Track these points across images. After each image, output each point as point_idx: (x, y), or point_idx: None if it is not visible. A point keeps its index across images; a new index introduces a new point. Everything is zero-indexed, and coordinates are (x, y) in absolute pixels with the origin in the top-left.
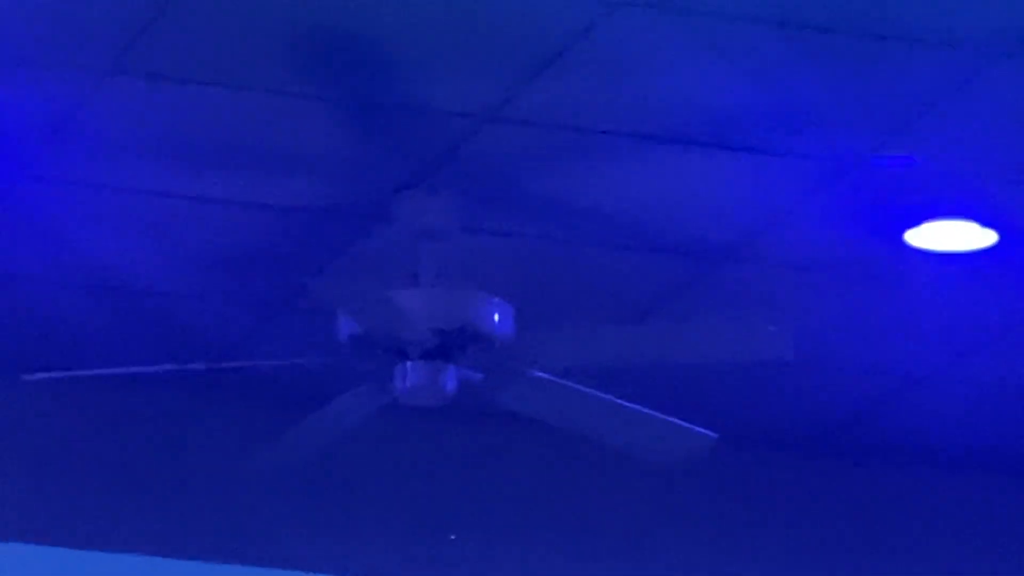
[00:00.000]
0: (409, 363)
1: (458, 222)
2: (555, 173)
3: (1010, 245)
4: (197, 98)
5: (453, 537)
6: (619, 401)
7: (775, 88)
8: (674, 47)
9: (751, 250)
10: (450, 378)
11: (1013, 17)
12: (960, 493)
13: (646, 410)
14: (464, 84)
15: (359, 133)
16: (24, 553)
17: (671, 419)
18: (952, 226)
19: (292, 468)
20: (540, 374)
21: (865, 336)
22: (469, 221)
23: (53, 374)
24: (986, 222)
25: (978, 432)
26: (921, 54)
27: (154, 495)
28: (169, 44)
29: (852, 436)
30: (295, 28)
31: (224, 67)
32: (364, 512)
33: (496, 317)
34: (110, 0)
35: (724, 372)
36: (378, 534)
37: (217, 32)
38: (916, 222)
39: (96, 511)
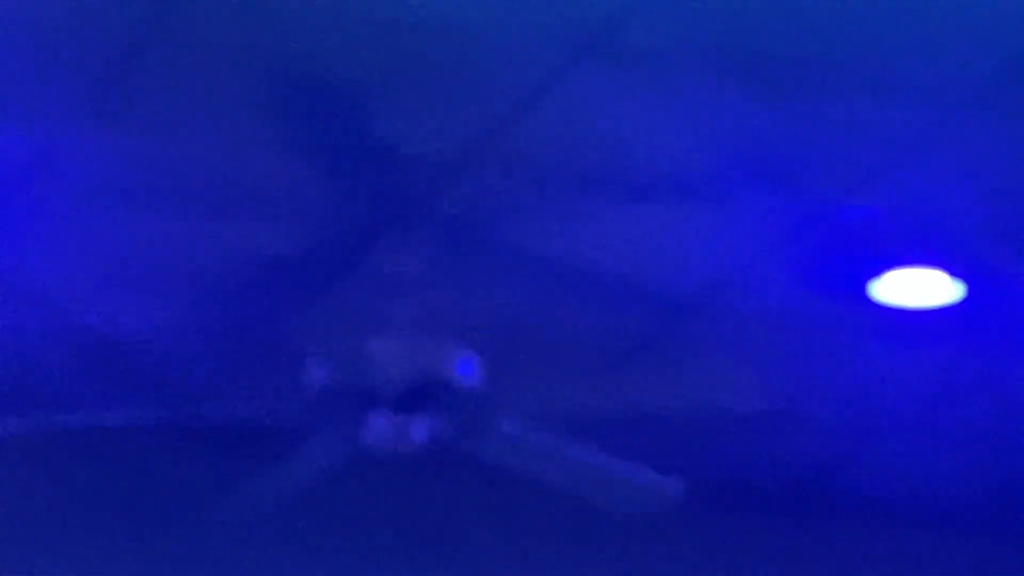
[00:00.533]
0: (378, 413)
1: (429, 271)
2: (525, 222)
3: (978, 297)
4: (170, 145)
5: None
6: (587, 451)
7: (740, 139)
8: (640, 98)
9: (721, 301)
10: (419, 429)
11: (978, 68)
12: (925, 547)
13: (614, 460)
14: (437, 132)
15: (331, 180)
16: None
17: (638, 468)
18: (918, 275)
19: (264, 516)
20: (509, 425)
21: (831, 389)
22: (440, 270)
23: (26, 422)
24: (954, 272)
25: (945, 486)
26: (887, 105)
27: (131, 542)
28: (141, 92)
29: (817, 488)
30: (269, 76)
31: (197, 114)
32: (332, 562)
33: (465, 368)
34: (81, 49)
35: (691, 423)
36: None
37: (189, 79)
38: (880, 272)
39: (68, 557)
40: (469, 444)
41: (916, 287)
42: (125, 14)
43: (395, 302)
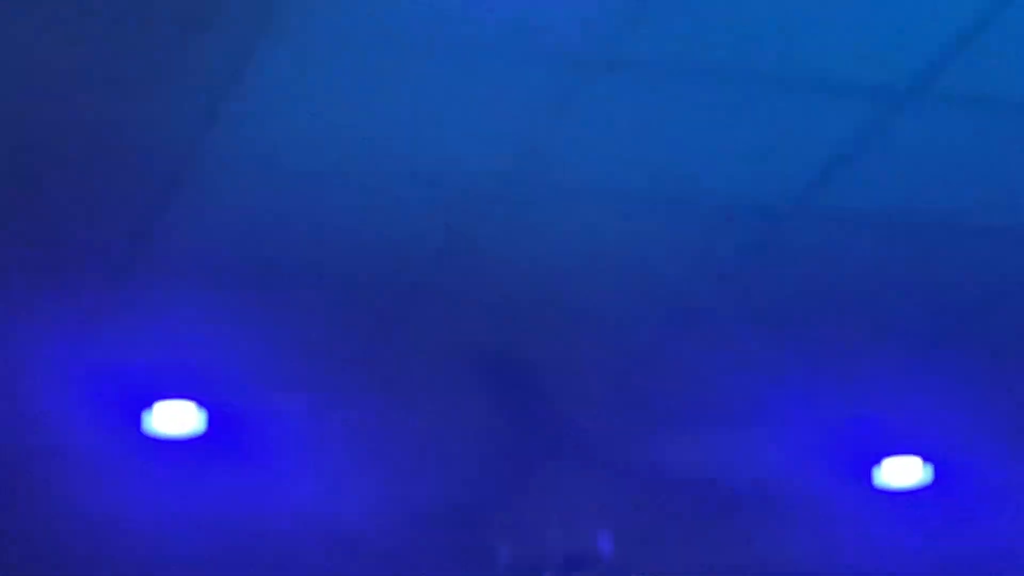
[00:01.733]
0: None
1: (570, 485)
2: (635, 443)
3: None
4: (399, 408)
5: None
6: None
7: (769, 379)
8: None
9: (767, 487)
10: None
11: (949, 308)
12: None
13: None
14: (575, 393)
15: (510, 427)
16: None
17: None
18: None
19: None
20: None
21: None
22: (581, 480)
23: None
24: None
25: None
26: (879, 342)
27: None
28: (381, 372)
29: None
30: (470, 357)
31: (421, 386)
32: None
33: (602, 544)
34: (339, 346)
35: None
36: None
37: (422, 361)
38: (877, 461)
39: None
40: None
41: (902, 473)
42: (369, 320)
43: (552, 500)
